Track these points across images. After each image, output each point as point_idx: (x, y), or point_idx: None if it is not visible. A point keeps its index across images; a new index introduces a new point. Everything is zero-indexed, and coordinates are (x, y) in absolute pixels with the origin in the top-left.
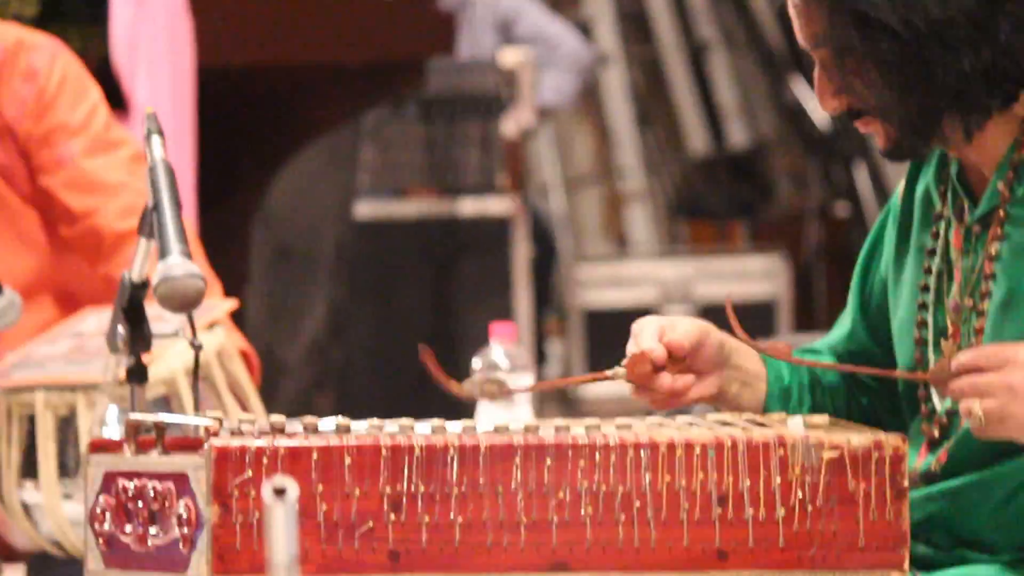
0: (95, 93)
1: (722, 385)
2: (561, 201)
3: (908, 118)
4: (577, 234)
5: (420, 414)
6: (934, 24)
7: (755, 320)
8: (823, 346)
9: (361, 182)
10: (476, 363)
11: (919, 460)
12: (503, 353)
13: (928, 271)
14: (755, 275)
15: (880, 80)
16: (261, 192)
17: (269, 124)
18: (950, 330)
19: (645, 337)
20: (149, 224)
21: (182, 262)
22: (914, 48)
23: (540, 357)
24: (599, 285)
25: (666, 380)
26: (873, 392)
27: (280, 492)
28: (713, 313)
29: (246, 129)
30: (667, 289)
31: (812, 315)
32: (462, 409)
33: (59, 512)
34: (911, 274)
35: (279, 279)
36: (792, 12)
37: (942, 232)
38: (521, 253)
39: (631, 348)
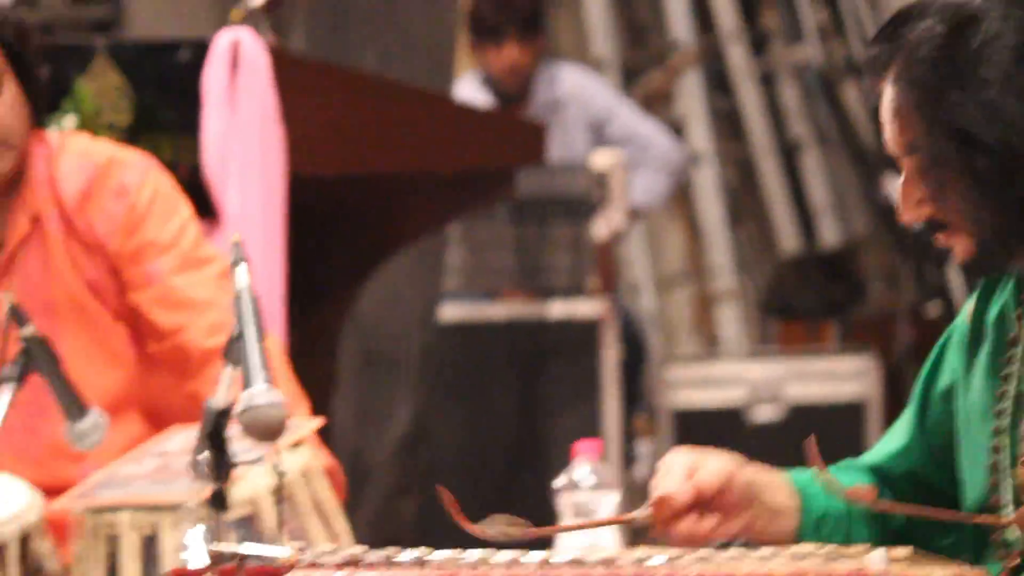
0: (185, 210)
1: (748, 522)
2: (651, 300)
3: (995, 235)
4: (667, 334)
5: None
6: None
7: (844, 421)
8: (861, 464)
9: (451, 284)
10: (560, 481)
11: None
12: (588, 471)
13: (1003, 396)
14: (845, 376)
15: (972, 195)
16: (350, 299)
17: (359, 233)
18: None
19: (672, 479)
20: (233, 352)
21: (266, 391)
22: (1010, 168)
23: (629, 459)
24: (688, 385)
25: (689, 523)
26: (911, 519)
27: None
28: (802, 413)
29: (336, 238)
30: (756, 389)
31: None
32: (548, 514)
33: None
34: (982, 397)
35: (366, 384)
36: (885, 117)
37: (1018, 356)
38: (610, 355)
39: (658, 487)
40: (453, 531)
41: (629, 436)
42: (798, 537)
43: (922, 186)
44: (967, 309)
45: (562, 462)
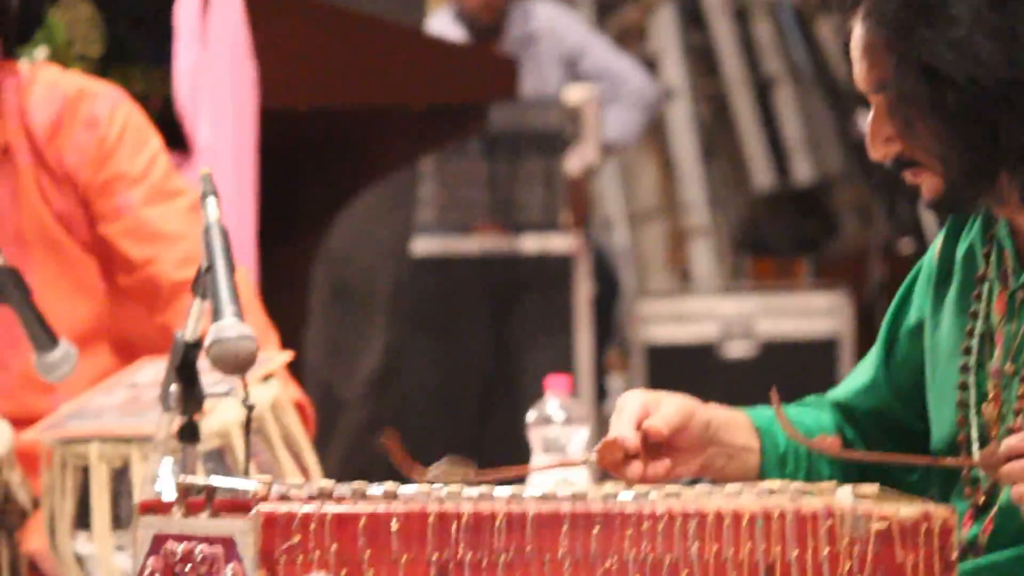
0: (156, 142)
1: (705, 462)
2: (624, 235)
3: (964, 173)
4: (640, 269)
5: (477, 452)
6: (1001, 84)
7: (816, 358)
8: (825, 401)
9: (424, 218)
10: (530, 416)
11: (964, 529)
12: (558, 406)
13: (971, 334)
14: (818, 312)
15: (941, 132)
16: (321, 233)
17: (330, 166)
18: (991, 394)
19: (621, 422)
20: (203, 285)
21: (235, 324)
22: (979, 106)
23: (601, 393)
24: (661, 320)
25: (636, 469)
26: (886, 449)
27: None
28: (774, 348)
29: (307, 171)
30: (729, 325)
31: None
32: (521, 448)
33: (111, 563)
34: (950, 335)
35: (338, 317)
36: (854, 54)
37: (985, 295)
38: (583, 290)
39: (609, 430)
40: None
41: (601, 371)
42: (760, 475)
43: (891, 123)
44: (935, 246)
45: (534, 396)
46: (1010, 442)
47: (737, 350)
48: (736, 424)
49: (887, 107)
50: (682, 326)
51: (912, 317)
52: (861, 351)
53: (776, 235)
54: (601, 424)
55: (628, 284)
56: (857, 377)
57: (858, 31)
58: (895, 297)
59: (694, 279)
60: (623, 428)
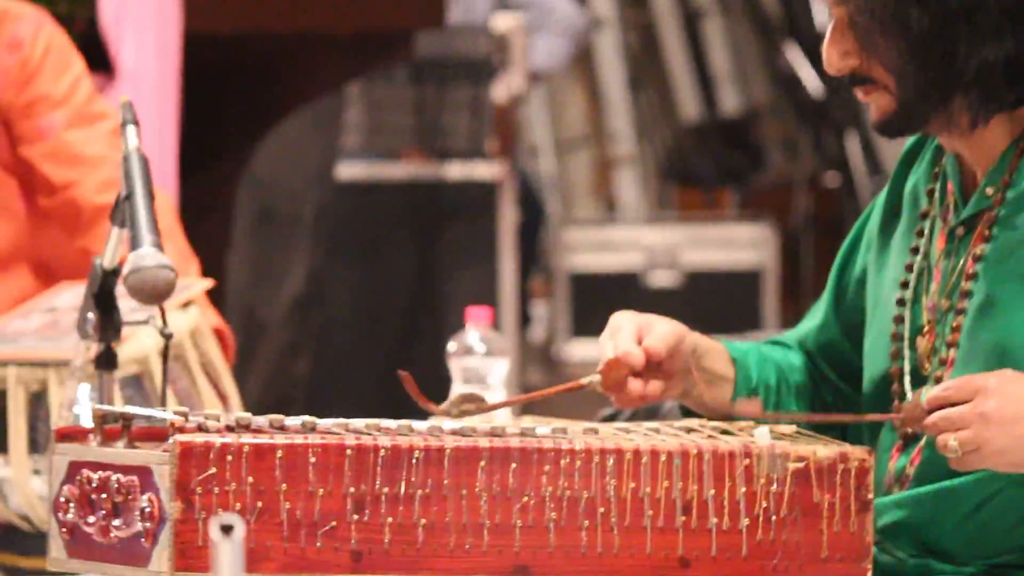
0: (79, 65)
1: (687, 386)
2: (551, 164)
3: (918, 91)
4: (566, 197)
5: (397, 380)
6: (964, 3)
7: (741, 289)
8: (791, 339)
9: (349, 144)
10: (451, 347)
11: (892, 461)
12: (479, 338)
13: (910, 268)
14: (742, 243)
15: (901, 47)
16: (246, 158)
17: (255, 91)
18: (925, 328)
19: (623, 340)
20: (122, 213)
21: (153, 253)
22: (941, 24)
23: (525, 320)
24: (586, 249)
25: (637, 387)
26: (839, 393)
27: (227, 529)
28: (698, 279)
29: (232, 96)
30: (653, 255)
31: (798, 285)
32: (444, 374)
33: (28, 487)
34: (893, 271)
35: (261, 242)
36: None
37: (927, 231)
38: (508, 218)
39: (606, 348)
40: (344, 391)
41: (525, 298)
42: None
43: (851, 36)
44: (888, 185)
45: (457, 323)
46: (933, 393)
47: (661, 279)
48: (716, 352)
49: (848, 19)
50: (607, 255)
51: (860, 258)
52: (785, 283)
53: (702, 166)
54: (523, 352)
55: (554, 212)
56: (812, 318)
57: None
58: (847, 238)
59: (620, 208)
60: (627, 345)
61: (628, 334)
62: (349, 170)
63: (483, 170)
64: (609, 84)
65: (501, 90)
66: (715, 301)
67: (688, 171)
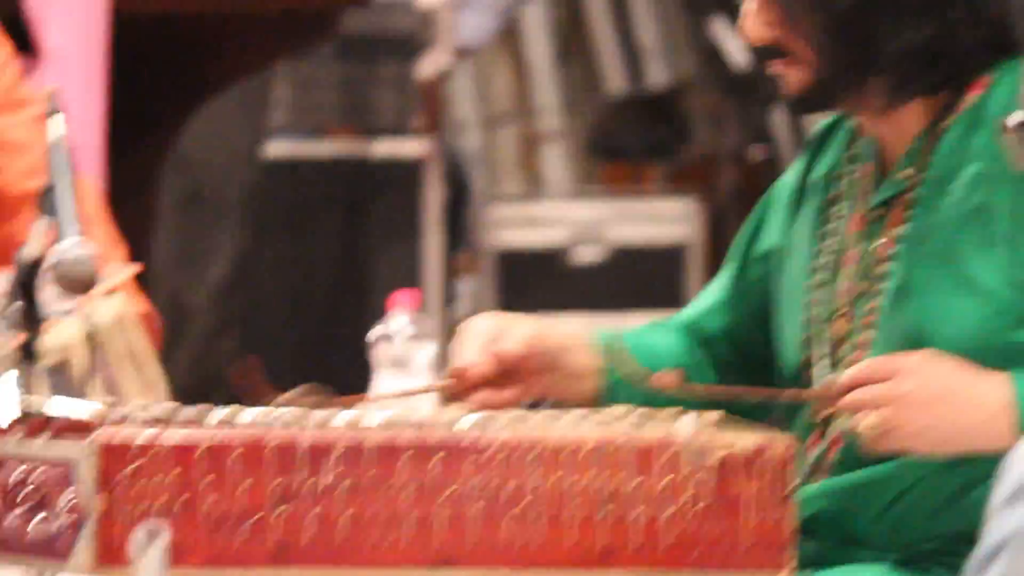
0: (3, 50)
1: (548, 386)
2: (477, 139)
3: (836, 67)
4: (492, 173)
5: (325, 358)
6: None
7: (666, 264)
8: (677, 324)
9: (276, 121)
10: (376, 333)
11: (811, 451)
12: (405, 321)
13: (821, 253)
14: (668, 218)
15: (823, 21)
16: (172, 138)
17: (181, 71)
18: (840, 311)
19: (471, 348)
20: (46, 203)
21: (77, 244)
22: (863, 5)
23: (449, 297)
24: (512, 224)
25: (486, 395)
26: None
27: (153, 535)
28: (624, 254)
29: (158, 77)
30: (579, 230)
31: (724, 259)
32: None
33: None
34: (804, 254)
35: (188, 223)
36: None
37: (838, 215)
38: (434, 195)
39: (458, 356)
40: (270, 373)
41: (451, 274)
42: (602, 398)
43: (775, 7)
44: (795, 168)
45: (383, 302)
46: (848, 372)
47: (587, 255)
48: (579, 346)
49: None
50: (533, 230)
51: (765, 240)
52: (710, 258)
53: (628, 140)
54: (448, 334)
55: (480, 188)
56: (709, 296)
57: None
58: (749, 217)
59: (546, 183)
60: (472, 354)
61: (479, 341)
62: (276, 148)
63: (410, 147)
64: (535, 58)
65: (427, 66)
66: (640, 276)
67: (614, 145)
